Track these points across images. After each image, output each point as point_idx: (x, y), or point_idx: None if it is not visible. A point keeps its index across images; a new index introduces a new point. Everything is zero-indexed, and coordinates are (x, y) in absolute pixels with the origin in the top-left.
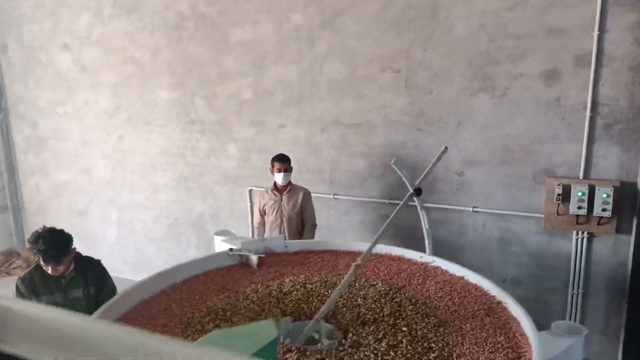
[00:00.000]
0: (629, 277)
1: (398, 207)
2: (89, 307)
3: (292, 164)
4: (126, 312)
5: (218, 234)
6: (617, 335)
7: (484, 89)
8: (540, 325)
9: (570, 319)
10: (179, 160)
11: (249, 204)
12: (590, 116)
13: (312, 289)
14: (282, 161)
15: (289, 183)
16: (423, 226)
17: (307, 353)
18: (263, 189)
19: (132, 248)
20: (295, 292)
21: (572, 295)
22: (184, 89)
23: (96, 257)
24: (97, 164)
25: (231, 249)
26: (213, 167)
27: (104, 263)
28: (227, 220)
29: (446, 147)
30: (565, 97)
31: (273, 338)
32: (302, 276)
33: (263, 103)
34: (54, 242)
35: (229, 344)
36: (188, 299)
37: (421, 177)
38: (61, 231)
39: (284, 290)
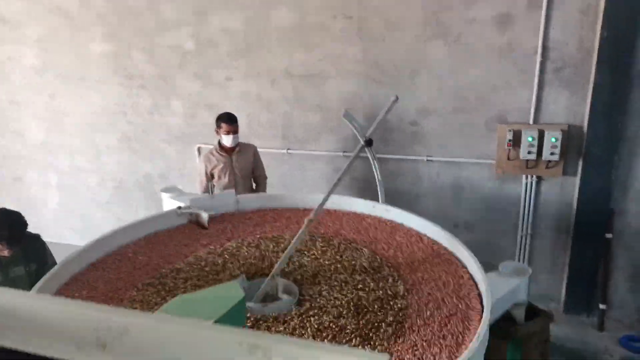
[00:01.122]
0: (573, 217)
1: (350, 160)
2: (31, 284)
3: (243, 119)
4: (66, 284)
5: (165, 190)
6: (561, 272)
7: (437, 35)
8: (491, 265)
9: (519, 260)
10: (120, 119)
11: (197, 161)
12: (540, 61)
13: (266, 245)
14: (232, 122)
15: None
16: (376, 176)
17: (266, 311)
18: (207, 150)
19: (78, 213)
20: (249, 250)
21: (521, 236)
22: (119, 40)
23: (38, 225)
24: (29, 126)
25: (179, 207)
26: (158, 125)
27: (47, 230)
28: (177, 181)
29: (397, 97)
30: (517, 42)
31: (239, 300)
32: (256, 233)
33: (207, 54)
34: (11, 224)
35: (193, 311)
36: (133, 265)
37: (371, 128)
38: (18, 215)
39: (237, 248)
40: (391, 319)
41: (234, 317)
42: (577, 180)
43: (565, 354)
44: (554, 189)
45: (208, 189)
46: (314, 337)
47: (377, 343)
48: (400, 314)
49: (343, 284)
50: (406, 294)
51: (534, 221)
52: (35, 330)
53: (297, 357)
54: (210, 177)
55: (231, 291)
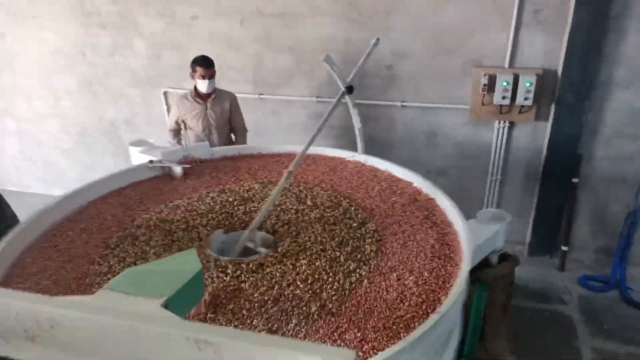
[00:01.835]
0: (543, 162)
1: (331, 108)
2: None
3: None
4: (29, 246)
5: (133, 144)
6: (528, 216)
7: None
8: (462, 211)
9: (487, 205)
10: (79, 60)
11: (165, 108)
12: (519, 1)
13: (244, 197)
14: (207, 66)
15: (214, 88)
16: (355, 125)
17: (245, 264)
18: (181, 94)
19: (40, 161)
20: (226, 203)
21: (491, 182)
22: None
23: None
24: None
25: (151, 161)
26: (120, 68)
27: (9, 179)
28: (143, 127)
29: (377, 39)
30: None
31: (196, 271)
32: (233, 185)
33: None
34: None
35: (145, 285)
36: (101, 225)
37: (352, 73)
38: None
39: (214, 201)
40: (369, 256)
41: (191, 291)
42: (549, 125)
43: (528, 293)
44: (526, 135)
45: (178, 136)
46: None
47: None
48: (375, 257)
49: (318, 233)
50: (385, 240)
51: (504, 166)
52: None
53: (252, 354)
54: (181, 123)
55: (188, 261)
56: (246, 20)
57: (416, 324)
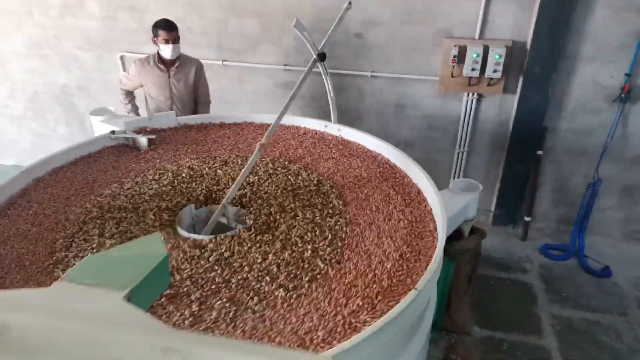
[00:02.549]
0: (509, 134)
1: (303, 76)
2: None
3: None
4: None
5: (94, 113)
6: (493, 187)
7: None
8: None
9: (454, 176)
10: (26, 21)
11: (122, 71)
12: None
13: (214, 170)
14: (170, 29)
15: (178, 55)
16: (328, 94)
17: (219, 240)
18: (142, 58)
19: None
20: (195, 175)
21: (458, 153)
22: None
23: None
24: None
25: (113, 132)
26: (72, 29)
27: None
28: (99, 94)
29: (350, 3)
30: None
31: (161, 259)
32: (201, 157)
33: None
34: None
35: (106, 275)
36: (62, 198)
37: (324, 40)
38: None
39: (182, 174)
40: (342, 230)
41: (156, 280)
42: (516, 98)
43: (491, 262)
44: (493, 107)
45: (130, 97)
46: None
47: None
48: (349, 231)
49: (291, 207)
50: (357, 214)
51: (471, 138)
52: None
53: None
54: (137, 86)
55: (152, 247)
56: None
57: (394, 299)
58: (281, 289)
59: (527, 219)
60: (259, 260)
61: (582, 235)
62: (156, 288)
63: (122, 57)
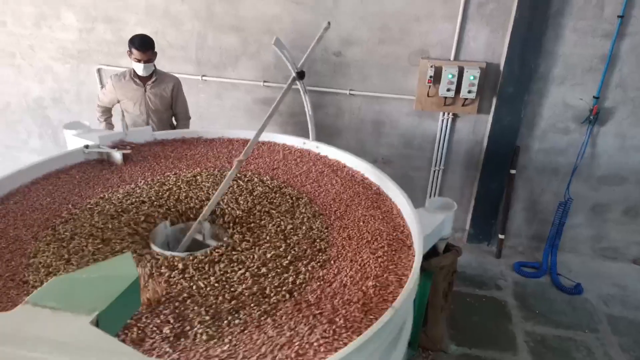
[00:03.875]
0: (483, 153)
1: (282, 94)
2: None
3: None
4: None
5: (68, 127)
6: (468, 204)
7: None
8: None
9: (430, 194)
10: None
11: (99, 86)
12: None
13: (189, 186)
14: (143, 49)
15: (154, 70)
16: (307, 112)
17: (193, 259)
18: (119, 73)
19: None
20: (171, 192)
21: (434, 171)
22: None
23: None
24: None
25: (87, 146)
26: (47, 40)
27: None
28: (73, 105)
29: (328, 23)
30: None
31: (132, 281)
32: (177, 172)
33: None
34: None
35: (75, 297)
36: (32, 217)
37: (303, 59)
38: None
39: (156, 190)
40: (317, 255)
41: (126, 302)
42: (490, 118)
43: (467, 279)
44: (468, 126)
45: (107, 114)
46: (255, 269)
47: (306, 267)
48: (327, 253)
49: (268, 225)
50: (334, 232)
51: (447, 157)
52: None
53: None
54: (114, 102)
55: (123, 268)
56: None
57: (372, 317)
58: (260, 307)
59: (500, 236)
60: (232, 278)
61: (554, 253)
62: (126, 311)
63: (98, 70)
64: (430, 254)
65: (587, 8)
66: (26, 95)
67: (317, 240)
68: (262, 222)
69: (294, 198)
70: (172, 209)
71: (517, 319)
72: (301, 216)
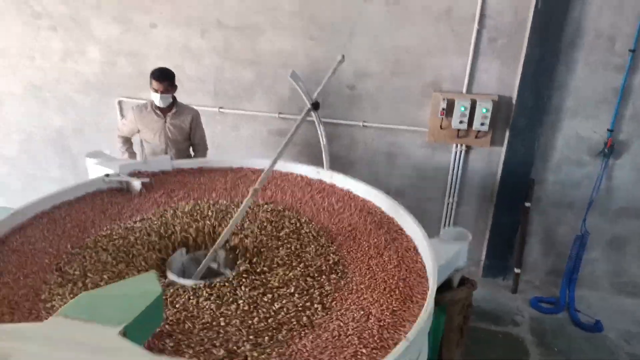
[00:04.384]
0: (497, 186)
1: (297, 124)
2: None
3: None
4: None
5: (90, 155)
6: (482, 237)
7: None
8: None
9: (444, 225)
10: (27, 64)
11: (119, 117)
12: (477, 29)
13: (206, 214)
14: (160, 79)
15: (174, 102)
16: (321, 142)
17: (209, 287)
18: (140, 104)
19: None
20: (188, 220)
21: (448, 203)
22: None
23: None
24: None
25: (107, 175)
26: (71, 73)
27: None
28: (94, 136)
29: (343, 57)
30: (456, 8)
31: (156, 296)
32: (194, 201)
33: None
34: None
35: (102, 310)
36: (54, 243)
37: (318, 90)
38: None
39: (174, 218)
40: (330, 286)
41: (151, 317)
42: (503, 150)
43: (482, 314)
44: (481, 159)
45: (128, 144)
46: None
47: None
48: (341, 281)
49: (281, 254)
50: (347, 262)
51: (460, 189)
52: None
53: None
54: (135, 131)
55: (147, 285)
56: (206, 31)
57: (384, 350)
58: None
59: (516, 270)
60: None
61: (572, 288)
62: (151, 324)
63: (119, 102)
64: (445, 287)
65: (598, 42)
66: (49, 126)
67: (329, 269)
68: (276, 251)
69: (306, 227)
70: (189, 237)
71: (535, 356)
72: (314, 245)
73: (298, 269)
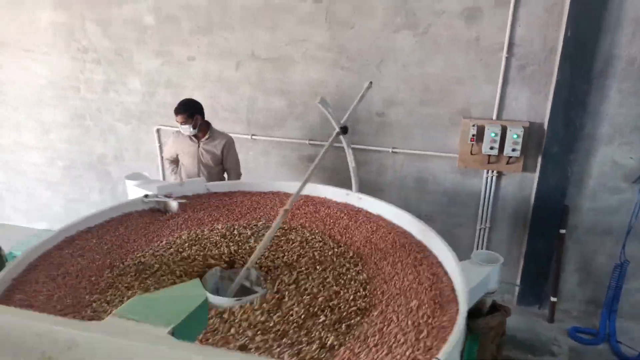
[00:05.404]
0: (530, 212)
1: (326, 147)
2: None
3: (204, 101)
4: (22, 277)
5: (130, 177)
6: (516, 264)
7: (406, 25)
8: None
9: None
10: (72, 95)
11: (157, 145)
12: (506, 57)
13: (239, 235)
14: (177, 112)
15: (209, 128)
16: (349, 164)
17: (241, 306)
18: (177, 129)
19: (24, 193)
20: (221, 240)
21: (480, 229)
22: (71, 10)
23: None
24: None
25: (146, 195)
26: (113, 103)
27: None
28: (132, 163)
29: (370, 83)
30: (484, 37)
31: (201, 301)
32: (227, 222)
33: (168, 30)
34: None
35: (151, 314)
36: (99, 256)
37: (347, 115)
38: None
39: (209, 238)
40: (360, 306)
41: (196, 319)
42: (536, 176)
43: (517, 344)
44: (513, 184)
45: (174, 164)
46: (280, 325)
47: (344, 333)
48: (370, 304)
49: (311, 275)
50: (377, 283)
51: (492, 214)
52: None
53: None
54: (175, 157)
55: (193, 290)
56: (241, 63)
57: None
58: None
59: (553, 299)
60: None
61: (613, 319)
62: (196, 328)
63: (157, 130)
64: (477, 314)
65: (630, 70)
66: (91, 153)
67: (359, 290)
68: (306, 271)
69: (336, 249)
70: (223, 256)
71: None
72: (344, 267)
73: (321, 294)
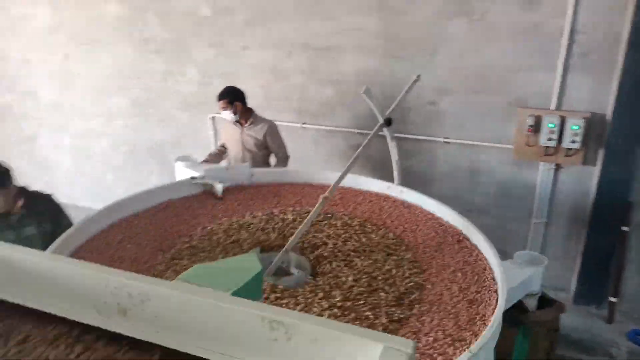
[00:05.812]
0: (590, 207)
1: (367, 139)
2: (45, 245)
3: (257, 91)
4: (84, 245)
5: (179, 159)
6: (573, 262)
7: (461, 12)
8: (502, 251)
9: (531, 247)
10: (134, 84)
11: (212, 132)
12: (567, 44)
13: (280, 219)
14: (218, 98)
15: (251, 115)
16: (392, 157)
17: (279, 286)
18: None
19: (90, 176)
20: (262, 223)
21: (535, 224)
22: (134, 2)
23: (51, 185)
24: (43, 86)
25: (193, 178)
26: (171, 92)
27: (60, 190)
28: (189, 149)
29: (418, 76)
30: (543, 24)
31: (257, 272)
32: (269, 206)
33: (223, 22)
34: None
35: (211, 280)
36: (145, 232)
37: (391, 108)
38: None
39: (251, 221)
40: (403, 300)
41: (252, 289)
42: (597, 170)
43: (572, 344)
44: (572, 178)
45: (220, 145)
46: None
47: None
48: (412, 297)
49: (355, 263)
50: (419, 277)
51: (549, 209)
52: (54, 291)
53: (319, 336)
54: (224, 146)
55: (249, 262)
56: (293, 53)
57: None
58: None
59: (612, 299)
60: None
61: None
62: (252, 297)
63: (213, 118)
64: (521, 308)
65: None
66: (150, 139)
67: (399, 282)
68: (344, 259)
69: (377, 239)
70: (266, 239)
71: None
72: (383, 257)
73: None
